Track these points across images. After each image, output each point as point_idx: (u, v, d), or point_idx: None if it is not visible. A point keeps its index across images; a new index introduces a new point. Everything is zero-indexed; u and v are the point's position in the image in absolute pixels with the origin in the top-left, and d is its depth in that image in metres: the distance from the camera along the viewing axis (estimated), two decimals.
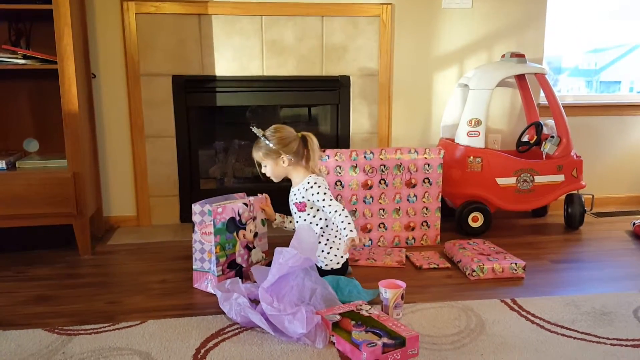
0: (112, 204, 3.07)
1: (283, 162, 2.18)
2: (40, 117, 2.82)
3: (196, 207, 2.14)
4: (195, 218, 2.15)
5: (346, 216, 2.10)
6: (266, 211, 2.34)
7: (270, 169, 2.22)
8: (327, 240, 2.24)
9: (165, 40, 2.91)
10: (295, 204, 2.25)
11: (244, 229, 2.22)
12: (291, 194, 2.29)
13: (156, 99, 2.97)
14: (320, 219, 2.23)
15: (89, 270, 2.44)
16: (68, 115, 2.47)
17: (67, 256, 2.58)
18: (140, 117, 2.96)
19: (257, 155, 2.22)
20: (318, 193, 2.17)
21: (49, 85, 2.64)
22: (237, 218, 2.18)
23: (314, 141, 2.22)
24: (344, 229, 2.07)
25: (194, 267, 2.20)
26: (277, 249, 1.89)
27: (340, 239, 2.22)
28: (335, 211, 2.12)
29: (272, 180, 2.29)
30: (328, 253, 2.22)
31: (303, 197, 2.21)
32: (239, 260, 2.20)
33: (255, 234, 2.27)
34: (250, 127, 2.19)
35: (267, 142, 2.16)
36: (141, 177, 3.03)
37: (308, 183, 2.20)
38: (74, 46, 2.44)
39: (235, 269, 2.19)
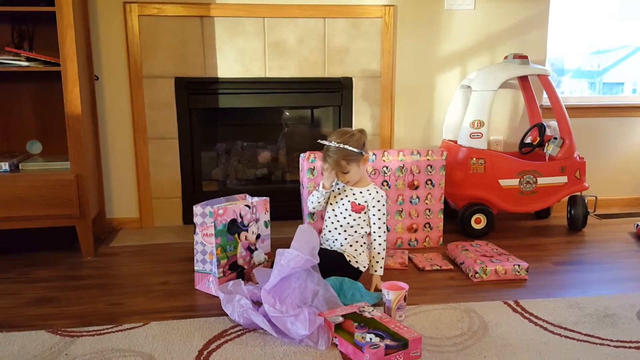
0: (115, 206, 3.07)
1: (365, 161, 2.20)
2: (43, 119, 2.83)
3: (197, 209, 2.14)
4: (197, 219, 2.15)
5: (384, 249, 2.19)
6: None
7: (354, 172, 2.17)
8: (365, 243, 2.25)
9: (168, 42, 2.92)
10: (352, 203, 2.21)
11: (246, 230, 2.22)
12: (347, 191, 2.25)
13: (159, 100, 2.97)
14: (368, 225, 2.23)
15: (91, 272, 2.44)
16: (71, 117, 2.48)
17: (69, 258, 2.59)
18: (143, 119, 2.97)
19: (339, 163, 2.13)
20: (380, 210, 2.19)
21: (52, 87, 2.65)
22: (239, 220, 2.18)
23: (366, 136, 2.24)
24: (377, 262, 2.18)
25: (195, 268, 2.21)
26: (279, 251, 1.89)
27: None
28: (380, 236, 2.19)
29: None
30: (362, 254, 2.24)
31: (366, 202, 2.20)
32: (240, 262, 2.20)
33: (258, 236, 2.27)
34: (320, 142, 2.19)
35: (350, 147, 2.12)
36: (144, 179, 3.03)
37: (377, 192, 2.20)
38: (77, 48, 2.45)
39: (236, 271, 2.20)
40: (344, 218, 2.23)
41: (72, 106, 2.47)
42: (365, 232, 2.23)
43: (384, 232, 2.19)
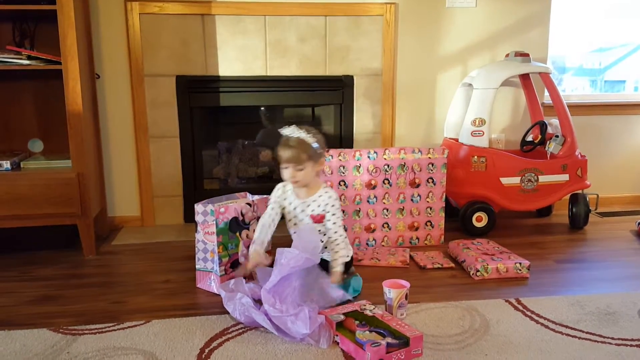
0: (116, 204, 3.08)
1: (320, 165, 2.07)
2: (45, 117, 2.83)
3: (199, 207, 2.15)
4: (198, 218, 2.15)
5: (342, 248, 2.09)
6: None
7: (307, 172, 2.02)
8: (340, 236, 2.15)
9: (169, 40, 2.92)
10: (312, 216, 2.10)
11: (247, 228, 2.22)
12: (303, 208, 2.12)
13: (160, 99, 2.97)
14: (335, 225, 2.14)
15: (93, 270, 2.45)
16: (72, 115, 2.48)
17: (71, 256, 2.59)
18: (144, 118, 2.97)
19: (297, 157, 1.99)
20: (335, 215, 2.09)
21: (53, 85, 2.65)
22: (240, 218, 2.18)
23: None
24: (336, 260, 2.06)
25: (197, 267, 2.21)
26: (279, 250, 1.88)
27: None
28: (337, 238, 2.09)
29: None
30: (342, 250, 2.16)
31: (323, 210, 2.09)
32: (241, 260, 2.20)
33: None
34: (281, 130, 2.05)
35: (315, 144, 2.01)
36: (145, 177, 3.04)
37: (328, 194, 2.09)
38: (78, 46, 2.45)
39: (237, 269, 2.19)
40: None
41: (74, 104, 2.47)
42: (339, 225, 2.12)
43: (341, 234, 2.10)
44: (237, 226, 2.17)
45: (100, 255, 2.63)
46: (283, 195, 2.15)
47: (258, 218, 2.26)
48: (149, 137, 3.00)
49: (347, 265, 2.19)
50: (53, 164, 2.60)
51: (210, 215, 2.10)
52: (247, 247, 2.22)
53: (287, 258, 1.84)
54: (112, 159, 3.02)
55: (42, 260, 2.54)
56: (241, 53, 3.00)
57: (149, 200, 3.07)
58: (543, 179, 2.92)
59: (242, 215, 2.19)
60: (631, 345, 1.72)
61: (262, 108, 3.36)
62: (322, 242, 2.09)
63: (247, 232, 2.22)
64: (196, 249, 2.19)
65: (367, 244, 2.71)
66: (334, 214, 2.09)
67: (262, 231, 2.11)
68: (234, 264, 2.18)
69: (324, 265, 2.09)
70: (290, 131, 2.03)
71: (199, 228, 2.16)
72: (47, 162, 2.62)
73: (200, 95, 3.01)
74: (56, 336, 1.79)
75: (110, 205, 3.06)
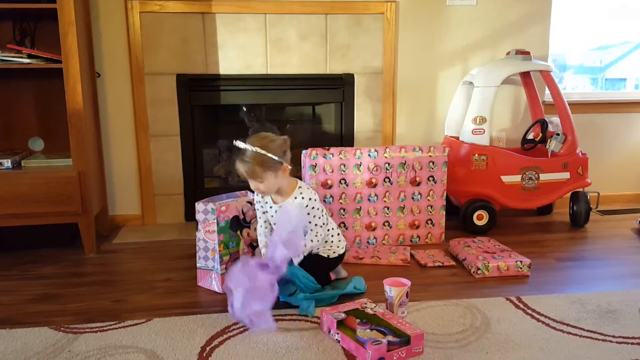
0: (117, 203, 3.08)
1: (284, 172, 1.98)
2: (45, 116, 2.83)
3: (199, 206, 2.15)
4: (199, 216, 2.15)
5: (310, 248, 2.07)
6: None
7: (270, 183, 1.96)
8: (326, 231, 2.15)
9: (170, 38, 2.92)
10: None
11: (248, 227, 2.22)
12: (278, 208, 2.06)
13: (160, 97, 2.97)
14: (318, 217, 2.09)
15: (94, 268, 2.45)
16: (73, 114, 2.48)
17: (72, 255, 2.59)
18: (145, 116, 2.97)
19: (253, 171, 1.93)
20: (315, 216, 2.05)
21: (53, 84, 2.65)
22: (242, 216, 2.18)
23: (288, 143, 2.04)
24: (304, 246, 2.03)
25: (197, 265, 2.21)
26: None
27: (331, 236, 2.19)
28: (312, 240, 2.06)
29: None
30: (332, 243, 2.19)
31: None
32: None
33: None
34: (235, 143, 1.96)
35: (269, 154, 1.92)
36: (146, 175, 3.04)
37: (303, 196, 2.03)
38: (79, 45, 2.45)
39: None
40: None
41: (74, 103, 2.47)
42: (316, 224, 2.07)
43: (316, 236, 2.07)
44: (238, 225, 2.17)
45: (101, 254, 2.63)
46: (262, 200, 2.12)
47: None
48: (149, 135, 3.00)
49: (335, 262, 2.18)
50: (54, 162, 2.60)
51: (211, 213, 2.10)
52: (248, 246, 2.23)
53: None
54: (112, 158, 3.02)
55: (43, 258, 2.54)
56: (242, 51, 3.00)
57: (149, 198, 3.07)
58: (544, 177, 2.92)
59: (243, 213, 2.19)
60: (632, 343, 1.72)
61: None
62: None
63: (248, 231, 2.22)
64: (197, 247, 2.19)
65: (367, 242, 2.70)
66: (314, 216, 2.06)
67: (262, 239, 2.15)
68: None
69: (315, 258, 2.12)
70: (244, 145, 1.94)
71: (199, 226, 2.16)
72: (47, 160, 2.62)
73: (200, 94, 3.01)
74: (57, 335, 1.79)
75: (111, 204, 3.06)
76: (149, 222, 3.09)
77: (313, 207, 2.06)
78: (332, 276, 2.22)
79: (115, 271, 2.44)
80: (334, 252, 2.18)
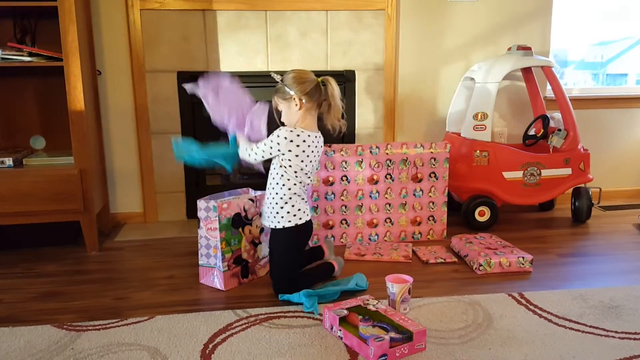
0: (119, 201, 3.08)
1: (296, 104, 2.01)
2: (47, 114, 2.83)
3: (201, 203, 2.15)
4: (201, 214, 2.15)
5: (248, 155, 2.11)
6: None
7: (285, 113, 2.06)
8: (282, 198, 2.07)
9: (170, 36, 2.92)
10: None
11: (250, 224, 2.22)
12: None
13: (162, 95, 2.97)
14: (280, 175, 2.06)
15: (96, 266, 2.45)
16: (74, 112, 2.48)
17: (74, 253, 2.60)
18: (146, 114, 2.97)
19: (274, 100, 2.08)
20: (265, 144, 2.04)
21: (54, 82, 2.65)
22: (243, 214, 2.18)
23: (334, 88, 2.04)
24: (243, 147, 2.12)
25: (199, 262, 2.21)
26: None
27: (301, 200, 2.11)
28: (249, 152, 2.10)
29: None
30: (279, 210, 2.08)
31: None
32: (244, 255, 2.21)
33: (262, 230, 2.27)
34: (271, 74, 2.09)
35: (283, 84, 2.03)
36: (147, 173, 3.04)
37: (279, 130, 2.03)
38: (79, 43, 2.45)
39: (240, 265, 2.20)
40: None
41: (75, 101, 2.47)
42: (277, 183, 2.06)
43: (249, 154, 2.10)
44: (240, 222, 2.17)
45: (104, 252, 2.63)
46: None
47: (260, 214, 2.25)
48: (150, 133, 3.00)
49: (294, 236, 2.09)
50: (55, 160, 2.60)
51: (212, 211, 2.10)
52: (250, 243, 2.22)
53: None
54: (114, 155, 3.02)
55: (45, 256, 2.55)
56: (242, 48, 2.99)
57: (151, 196, 3.07)
58: (545, 173, 2.92)
59: (245, 211, 2.19)
60: (635, 339, 1.72)
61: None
62: (271, 190, 2.09)
63: (250, 228, 2.22)
64: (199, 244, 2.19)
65: (369, 239, 2.71)
66: (264, 142, 2.06)
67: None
68: (237, 260, 2.18)
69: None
70: (272, 74, 2.10)
71: (201, 224, 2.16)
72: (49, 158, 2.62)
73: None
74: (60, 332, 1.79)
75: (112, 202, 3.06)
76: (150, 219, 3.09)
77: (272, 140, 2.03)
78: (335, 265, 2.22)
79: (118, 269, 2.44)
80: (288, 221, 2.06)
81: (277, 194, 2.07)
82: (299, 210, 2.07)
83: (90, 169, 2.57)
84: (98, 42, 2.88)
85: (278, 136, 2.01)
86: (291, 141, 2.01)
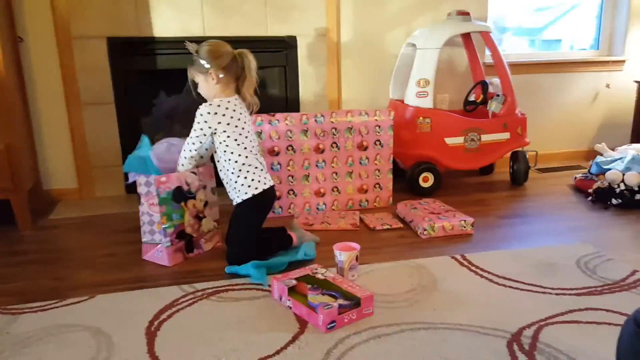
0: (52, 177, 2.92)
1: (212, 78, 2.00)
2: None
3: (140, 178, 2.06)
4: (141, 189, 2.07)
5: (185, 157, 2.10)
6: None
7: (202, 86, 2.05)
8: (233, 172, 2.04)
9: None
10: None
11: (194, 198, 2.15)
12: None
13: (91, 63, 2.81)
14: (223, 150, 2.04)
15: (31, 246, 2.33)
16: None
17: (6, 233, 2.46)
18: (76, 84, 2.80)
19: (190, 72, 2.05)
20: (194, 129, 2.02)
21: None
22: (186, 187, 2.11)
23: (250, 61, 2.04)
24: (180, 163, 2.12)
25: (143, 239, 2.13)
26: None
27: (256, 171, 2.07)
28: (183, 150, 2.09)
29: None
30: (237, 185, 2.05)
31: None
32: (188, 230, 2.14)
33: (206, 203, 2.21)
34: (184, 43, 2.03)
35: (198, 57, 2.00)
36: (80, 147, 2.89)
37: (200, 108, 2.02)
38: None
39: (185, 239, 2.14)
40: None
41: None
42: (225, 160, 2.04)
43: (183, 151, 2.09)
44: (182, 196, 2.10)
45: (38, 231, 2.50)
46: None
47: (205, 187, 2.19)
48: (81, 104, 2.84)
49: (252, 207, 2.07)
50: None
51: (153, 185, 2.02)
52: (194, 217, 2.16)
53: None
54: (43, 129, 2.85)
55: None
56: (176, 12, 2.86)
57: (86, 171, 2.93)
58: (485, 137, 2.99)
59: (188, 184, 2.11)
60: (570, 294, 1.81)
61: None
62: (223, 168, 2.08)
63: (194, 202, 2.15)
64: (141, 221, 2.11)
65: (317, 208, 2.70)
66: (192, 128, 2.05)
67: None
68: (180, 235, 2.12)
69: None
70: (189, 46, 2.04)
71: (142, 200, 2.08)
72: None
73: (135, 59, 2.87)
74: None
75: (45, 178, 2.90)
76: (87, 195, 2.96)
77: (198, 122, 2.02)
78: (294, 237, 2.16)
79: (54, 248, 2.32)
80: (245, 193, 2.03)
81: (227, 170, 2.05)
82: (253, 180, 2.04)
83: (18, 144, 2.42)
84: (18, 6, 2.67)
85: (201, 115, 2.01)
86: (215, 113, 2.00)
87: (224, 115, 2.00)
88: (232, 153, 2.02)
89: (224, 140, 2.02)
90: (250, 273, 1.92)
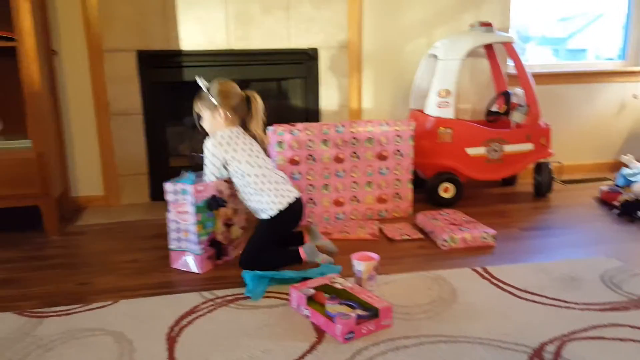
0: (80, 184, 3.00)
1: (220, 116, 2.11)
2: (1, 96, 2.72)
3: (168, 186, 2.10)
4: (169, 197, 2.10)
5: (204, 180, 2.15)
6: None
7: (207, 121, 2.15)
8: (254, 191, 2.10)
9: (128, 13, 2.82)
10: None
11: (224, 206, 2.18)
12: None
13: (120, 75, 2.88)
14: (238, 176, 2.10)
15: (57, 251, 2.39)
16: (30, 93, 2.39)
17: (35, 238, 2.53)
18: (105, 94, 2.88)
19: (197, 105, 2.15)
20: (206, 157, 2.11)
21: (8, 63, 2.53)
22: (219, 195, 2.14)
23: (258, 102, 2.16)
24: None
25: (170, 247, 2.16)
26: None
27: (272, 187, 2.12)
28: (204, 175, 2.16)
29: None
30: (261, 203, 2.10)
31: None
32: (219, 237, 2.17)
33: (235, 211, 2.24)
34: (196, 78, 2.13)
35: (208, 93, 2.11)
36: (108, 155, 2.96)
37: (205, 143, 2.12)
38: (33, 21, 2.35)
39: (215, 247, 2.17)
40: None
41: (31, 82, 2.38)
42: (243, 184, 2.11)
43: (206, 175, 2.15)
44: (216, 204, 2.13)
45: (65, 236, 2.57)
46: None
47: (235, 195, 2.22)
48: (110, 114, 2.91)
49: (276, 225, 2.12)
50: (12, 144, 2.51)
51: (181, 194, 2.06)
52: (225, 225, 2.19)
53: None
54: (73, 138, 2.94)
55: (4, 242, 2.47)
56: (203, 26, 2.92)
57: (113, 179, 3.00)
58: (508, 148, 2.97)
59: (221, 193, 2.15)
60: (594, 310, 1.77)
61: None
62: (243, 190, 2.14)
63: (225, 210, 2.18)
64: (168, 229, 2.15)
65: (336, 217, 2.71)
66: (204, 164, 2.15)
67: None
68: (212, 243, 2.15)
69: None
70: (200, 81, 2.14)
71: (170, 207, 2.12)
72: (6, 142, 2.53)
73: (162, 70, 2.94)
74: (21, 319, 1.75)
75: (73, 185, 2.98)
76: (113, 203, 3.03)
77: (207, 157, 2.12)
78: (303, 255, 2.11)
79: (80, 253, 2.39)
80: (271, 209, 2.08)
81: (248, 193, 2.11)
82: (276, 196, 2.09)
83: (49, 152, 2.50)
84: (53, 20, 2.77)
85: (208, 149, 2.11)
86: (220, 144, 2.10)
87: (228, 144, 2.10)
88: (248, 175, 2.09)
89: (237, 167, 2.10)
90: (247, 283, 1.92)
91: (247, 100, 2.16)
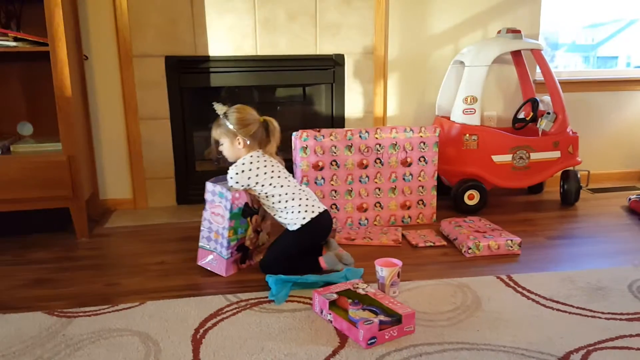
0: (108, 187, 3.07)
1: (239, 143, 2.13)
2: (33, 100, 2.80)
3: (209, 186, 2.13)
4: (207, 196, 2.13)
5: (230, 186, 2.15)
6: None
7: (226, 148, 2.16)
8: (280, 204, 2.14)
9: (157, 20, 2.88)
10: None
11: (257, 213, 2.21)
12: None
13: (149, 80, 2.94)
14: (267, 195, 2.14)
15: (86, 252, 2.45)
16: (61, 97, 2.45)
17: (64, 239, 2.59)
18: (134, 99, 2.94)
19: (216, 132, 2.16)
20: (231, 177, 2.11)
21: (41, 67, 2.61)
22: (251, 203, 2.17)
23: (275, 127, 2.17)
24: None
25: (200, 244, 2.19)
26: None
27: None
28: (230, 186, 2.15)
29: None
30: (287, 216, 2.15)
31: None
32: (247, 243, 2.19)
33: (263, 218, 2.27)
34: (212, 104, 2.13)
35: (226, 121, 2.12)
36: (136, 159, 3.02)
37: (229, 172, 2.14)
38: (65, 27, 2.41)
39: (242, 252, 2.19)
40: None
41: (62, 87, 2.44)
42: (271, 203, 2.15)
43: (232, 187, 2.15)
44: (249, 211, 2.15)
45: (94, 238, 2.63)
46: None
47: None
48: (139, 118, 2.97)
49: (301, 238, 2.15)
50: (43, 147, 2.58)
51: (218, 196, 2.08)
52: (255, 231, 2.22)
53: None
54: (102, 141, 3.00)
55: (35, 243, 2.54)
56: (230, 32, 2.96)
57: (141, 182, 3.06)
58: (535, 156, 2.93)
59: (252, 200, 2.18)
60: (620, 320, 1.75)
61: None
62: (271, 206, 2.17)
63: (256, 217, 2.21)
64: (202, 226, 2.17)
65: (359, 223, 2.72)
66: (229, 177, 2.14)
67: None
68: (239, 248, 2.17)
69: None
70: (217, 108, 2.14)
71: (207, 206, 2.14)
72: (37, 145, 2.60)
73: (190, 76, 2.99)
74: (51, 319, 1.79)
75: (102, 188, 3.05)
76: (140, 205, 3.08)
77: (231, 185, 2.13)
78: (323, 264, 2.13)
79: (108, 255, 2.44)
80: (300, 219, 2.12)
81: (277, 209, 2.15)
82: (306, 211, 2.12)
83: (79, 155, 2.55)
84: (84, 27, 2.84)
85: (231, 177, 2.12)
86: (243, 171, 2.11)
87: (250, 170, 2.11)
88: (273, 196, 2.13)
89: (261, 190, 2.13)
90: (271, 287, 1.95)
91: (265, 126, 2.17)
